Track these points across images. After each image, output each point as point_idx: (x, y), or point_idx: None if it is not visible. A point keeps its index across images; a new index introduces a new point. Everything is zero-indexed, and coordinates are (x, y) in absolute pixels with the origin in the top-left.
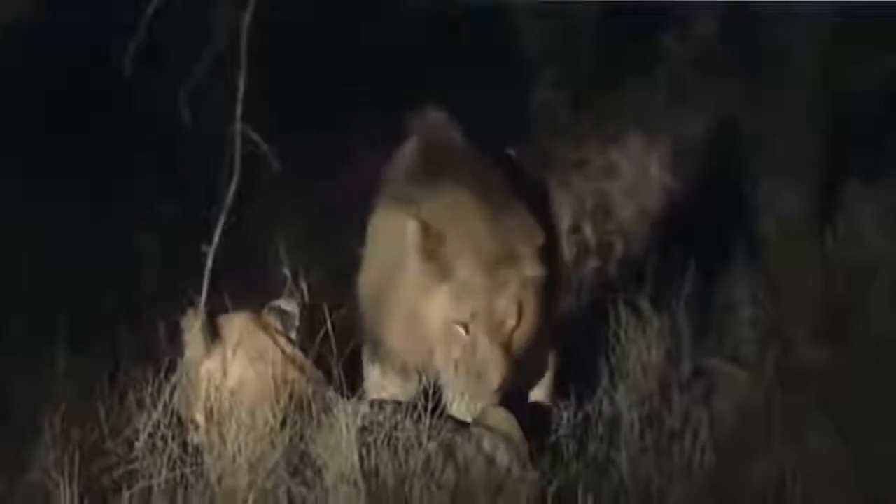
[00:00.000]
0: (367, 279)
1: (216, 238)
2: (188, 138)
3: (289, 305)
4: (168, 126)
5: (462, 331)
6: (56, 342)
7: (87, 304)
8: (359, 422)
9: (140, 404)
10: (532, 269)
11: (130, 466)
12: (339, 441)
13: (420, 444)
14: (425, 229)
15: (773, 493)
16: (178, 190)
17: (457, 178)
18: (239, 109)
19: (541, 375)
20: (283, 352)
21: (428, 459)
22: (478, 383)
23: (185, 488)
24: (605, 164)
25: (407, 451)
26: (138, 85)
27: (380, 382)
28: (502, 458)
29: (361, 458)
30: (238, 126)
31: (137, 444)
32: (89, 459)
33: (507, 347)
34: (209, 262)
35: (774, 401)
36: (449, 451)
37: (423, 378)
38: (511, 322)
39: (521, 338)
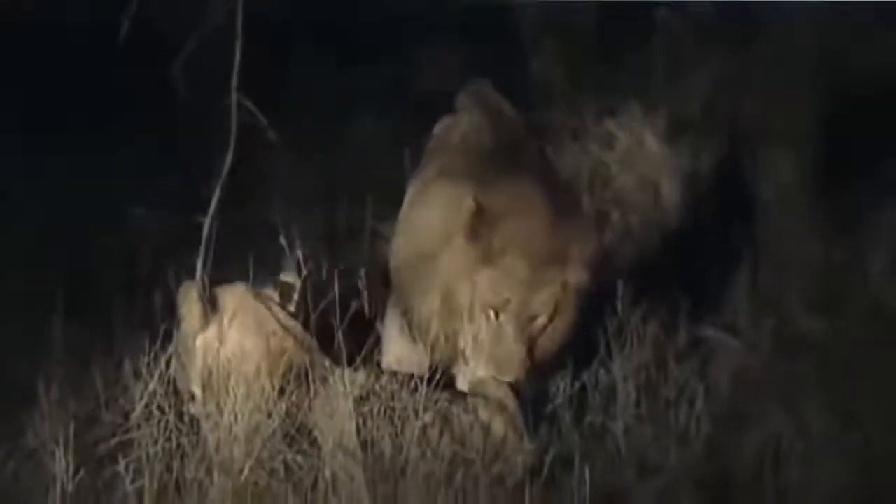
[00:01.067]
0: (408, 243)
1: (212, 208)
2: (187, 110)
3: (289, 277)
4: (166, 98)
5: (492, 315)
6: (53, 311)
7: (84, 274)
8: (356, 391)
9: (136, 374)
10: (576, 275)
11: (126, 436)
12: (336, 411)
13: (417, 414)
14: (479, 211)
15: (769, 463)
16: (176, 161)
17: (526, 169)
18: (235, 80)
19: (554, 370)
20: (280, 322)
21: (424, 429)
22: (496, 371)
23: (182, 458)
24: (602, 134)
25: (404, 421)
26: (136, 57)
27: (402, 350)
28: (498, 427)
29: (358, 428)
30: (234, 97)
31: (133, 414)
32: (85, 429)
33: (531, 344)
34: (205, 233)
35: (771, 370)
36: (445, 420)
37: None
38: (542, 320)
39: (548, 339)
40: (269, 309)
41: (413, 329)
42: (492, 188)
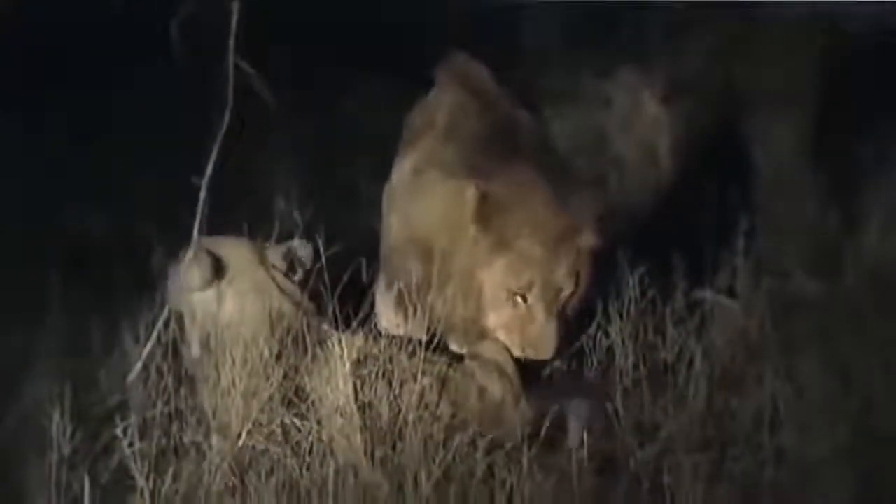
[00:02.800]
0: (403, 227)
1: (209, 170)
2: (186, 72)
3: (302, 248)
4: (165, 60)
5: (520, 300)
6: (51, 274)
7: (82, 237)
8: (353, 355)
9: (134, 336)
10: (589, 240)
11: (124, 398)
12: (334, 374)
13: (415, 378)
14: (484, 197)
15: (766, 425)
16: (175, 123)
17: (521, 149)
18: (232, 42)
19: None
20: (279, 286)
21: (422, 392)
22: (532, 353)
23: (180, 421)
24: (599, 96)
25: (402, 384)
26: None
27: (394, 324)
28: (496, 390)
29: (356, 391)
30: (231, 59)
31: (131, 376)
32: (83, 391)
33: (561, 317)
34: (202, 195)
35: (768, 332)
36: (443, 384)
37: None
38: (567, 292)
39: (574, 305)
40: (269, 272)
41: (406, 303)
42: (492, 176)
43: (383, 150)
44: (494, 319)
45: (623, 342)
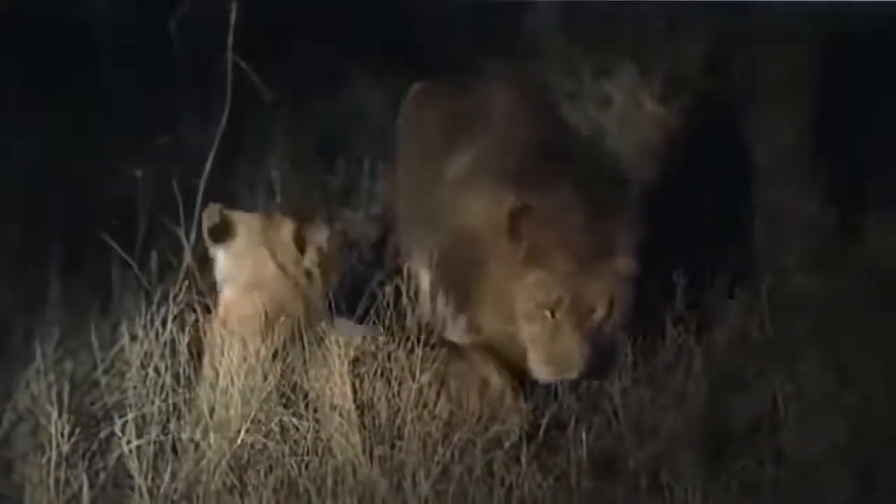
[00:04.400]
0: (453, 232)
1: (207, 169)
2: (185, 69)
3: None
4: (163, 57)
5: (548, 314)
6: (50, 272)
7: (81, 236)
8: (351, 353)
9: (132, 334)
10: (627, 266)
11: (122, 396)
12: (332, 372)
13: (413, 376)
14: (520, 210)
15: (766, 424)
16: (174, 120)
17: (569, 170)
18: (230, 39)
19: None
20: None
21: (421, 390)
22: (557, 370)
23: (178, 419)
24: (598, 95)
25: (400, 382)
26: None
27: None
28: (496, 383)
29: (354, 389)
30: (230, 56)
31: (129, 374)
32: (81, 389)
33: (590, 337)
34: (200, 193)
35: (768, 331)
36: (442, 381)
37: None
38: (600, 312)
39: (607, 330)
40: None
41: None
42: (534, 190)
43: (383, 147)
44: (526, 332)
45: (622, 341)
